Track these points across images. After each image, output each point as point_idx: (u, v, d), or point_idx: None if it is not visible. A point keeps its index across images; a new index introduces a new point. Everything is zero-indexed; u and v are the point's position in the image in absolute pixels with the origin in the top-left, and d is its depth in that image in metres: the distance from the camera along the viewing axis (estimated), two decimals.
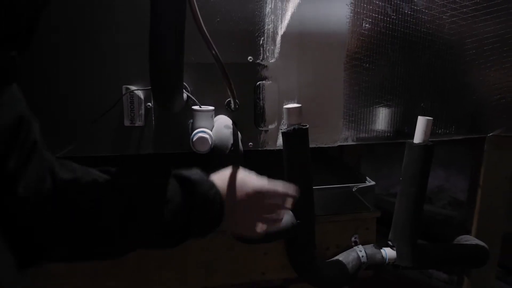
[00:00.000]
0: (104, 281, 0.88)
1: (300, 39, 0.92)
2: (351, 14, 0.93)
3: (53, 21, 0.82)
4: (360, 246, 0.98)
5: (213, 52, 0.70)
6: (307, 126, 0.86)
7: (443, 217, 2.04)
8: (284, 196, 0.64)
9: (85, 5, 0.83)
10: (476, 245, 1.03)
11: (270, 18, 0.90)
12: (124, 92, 0.86)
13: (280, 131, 0.92)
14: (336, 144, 1.00)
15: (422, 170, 0.91)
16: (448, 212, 2.07)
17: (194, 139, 0.80)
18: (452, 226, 1.82)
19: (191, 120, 0.86)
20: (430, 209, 2.11)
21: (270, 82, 0.93)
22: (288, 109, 0.84)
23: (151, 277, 0.90)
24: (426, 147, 0.91)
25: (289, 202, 0.65)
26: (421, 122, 0.91)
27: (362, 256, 0.95)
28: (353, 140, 1.01)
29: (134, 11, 0.84)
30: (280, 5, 0.90)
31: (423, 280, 1.52)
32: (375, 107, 0.99)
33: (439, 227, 1.85)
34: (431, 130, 0.93)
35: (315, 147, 0.98)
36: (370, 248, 0.97)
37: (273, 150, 0.96)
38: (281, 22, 0.91)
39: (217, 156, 0.81)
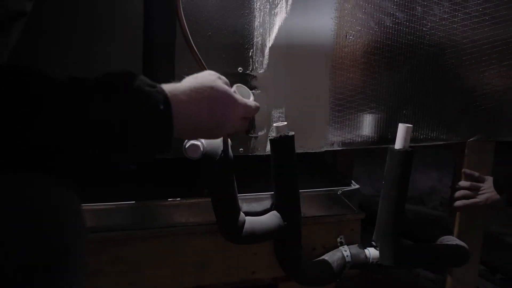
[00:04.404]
0: (100, 280, 0.93)
1: (287, 50, 0.98)
2: (336, 27, 0.99)
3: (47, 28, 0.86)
4: (345, 246, 1.04)
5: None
6: (293, 133, 0.91)
7: (433, 218, 2.09)
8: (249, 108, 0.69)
9: (82, 17, 0.88)
10: (457, 245, 1.08)
11: (258, 32, 0.95)
12: None
13: (269, 138, 0.97)
14: (322, 150, 1.05)
15: (403, 174, 0.97)
16: (439, 213, 2.13)
17: (187, 146, 0.85)
18: (440, 226, 1.88)
19: None
20: (421, 210, 2.17)
21: (259, 91, 0.98)
22: (277, 126, 0.91)
23: (145, 276, 0.95)
24: (406, 153, 0.96)
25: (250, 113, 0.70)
26: (402, 129, 0.97)
27: (347, 256, 1.00)
28: (338, 146, 1.06)
29: (130, 23, 0.89)
30: (268, 19, 0.95)
31: (411, 280, 1.57)
32: (359, 114, 1.05)
33: (428, 228, 1.91)
34: (411, 136, 0.98)
35: (309, 153, 1.03)
36: (355, 248, 1.02)
37: (262, 155, 1.01)
38: (269, 35, 0.96)
39: (208, 162, 0.86)
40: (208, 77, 0.63)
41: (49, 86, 0.47)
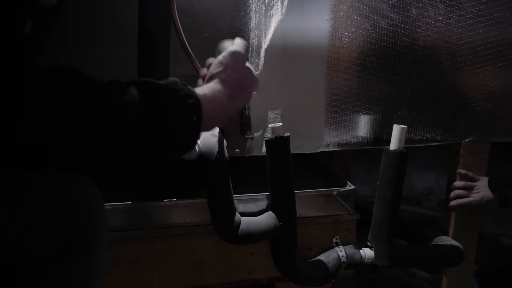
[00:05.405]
0: None
1: (283, 52, 0.98)
2: (331, 29, 0.99)
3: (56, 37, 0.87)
4: (340, 246, 1.04)
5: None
6: (289, 134, 0.92)
7: (429, 218, 2.10)
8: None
9: (84, 24, 0.89)
10: (451, 246, 1.09)
11: (254, 33, 0.96)
12: None
13: (264, 139, 0.98)
14: (318, 150, 1.06)
15: (397, 175, 0.97)
16: (435, 214, 2.14)
17: None
18: (436, 227, 1.89)
19: None
20: (417, 211, 2.18)
21: (255, 92, 0.98)
22: (273, 127, 0.92)
23: (144, 276, 0.95)
24: (400, 154, 0.97)
25: None
26: (396, 130, 0.97)
27: (342, 256, 1.01)
28: (334, 147, 1.07)
29: (128, 27, 0.90)
30: (263, 21, 0.96)
31: (407, 280, 1.58)
32: (355, 115, 1.05)
33: (424, 228, 1.91)
34: (406, 137, 0.99)
35: (305, 154, 1.04)
36: (350, 249, 1.03)
37: (259, 156, 1.02)
38: (265, 37, 0.97)
39: (204, 163, 0.87)
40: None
41: (101, 89, 0.53)
